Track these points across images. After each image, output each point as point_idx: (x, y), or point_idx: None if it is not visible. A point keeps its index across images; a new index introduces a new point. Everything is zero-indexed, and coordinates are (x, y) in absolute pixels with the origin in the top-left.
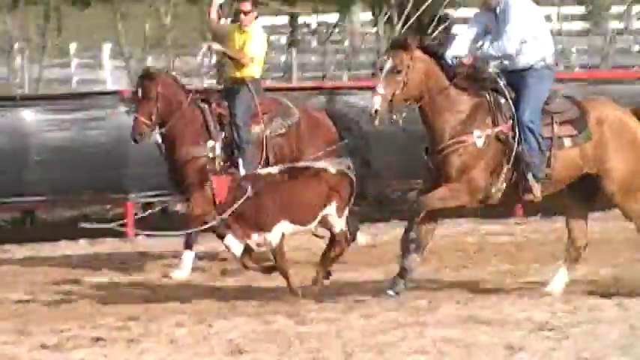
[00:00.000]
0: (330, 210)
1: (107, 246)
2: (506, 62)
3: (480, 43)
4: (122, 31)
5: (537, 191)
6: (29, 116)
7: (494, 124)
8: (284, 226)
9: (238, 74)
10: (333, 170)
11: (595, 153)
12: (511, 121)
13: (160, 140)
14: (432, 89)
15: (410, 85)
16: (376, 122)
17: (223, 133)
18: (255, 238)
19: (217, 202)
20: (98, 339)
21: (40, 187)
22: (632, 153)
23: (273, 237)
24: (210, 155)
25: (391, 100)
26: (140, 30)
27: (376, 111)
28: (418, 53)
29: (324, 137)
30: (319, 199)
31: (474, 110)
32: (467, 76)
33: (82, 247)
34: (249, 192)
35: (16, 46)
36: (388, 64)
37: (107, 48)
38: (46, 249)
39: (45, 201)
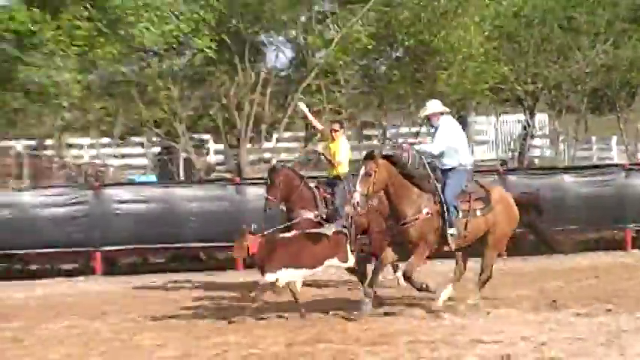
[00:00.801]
0: (333, 261)
1: None
2: (437, 162)
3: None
4: None
5: (453, 245)
6: None
7: (434, 204)
8: (290, 271)
9: (335, 172)
10: (329, 232)
11: (493, 220)
12: (439, 203)
13: (285, 209)
14: (394, 184)
15: (377, 184)
16: (358, 209)
17: (325, 210)
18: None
19: (250, 253)
20: None
21: None
22: (509, 221)
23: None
24: (315, 220)
25: (366, 195)
26: None
27: (357, 203)
28: (381, 161)
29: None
30: (320, 253)
31: (421, 196)
32: (415, 172)
33: None
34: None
35: None
36: (362, 170)
37: None
38: None
39: None
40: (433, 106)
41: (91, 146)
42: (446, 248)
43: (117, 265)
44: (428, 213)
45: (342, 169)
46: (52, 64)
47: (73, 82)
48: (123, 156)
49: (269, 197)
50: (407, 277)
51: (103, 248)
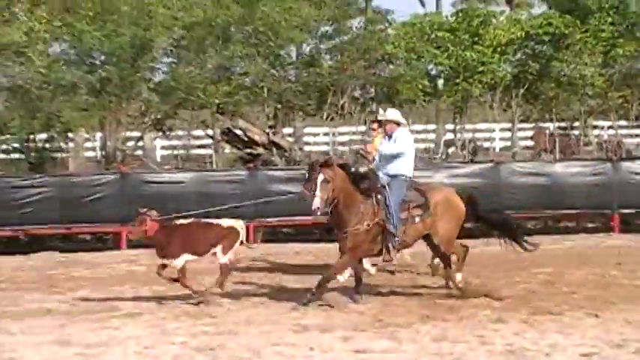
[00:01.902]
0: (218, 249)
1: None
2: (383, 170)
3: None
4: None
5: (393, 254)
6: None
7: (376, 215)
8: (186, 256)
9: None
10: (224, 225)
11: (432, 223)
12: (383, 211)
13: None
14: (344, 192)
15: (335, 190)
16: (318, 214)
17: None
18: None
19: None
20: None
21: None
22: (451, 219)
23: (178, 262)
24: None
25: (326, 199)
26: None
27: (317, 208)
28: (338, 169)
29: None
30: (210, 241)
31: (365, 206)
32: (363, 182)
33: None
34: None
35: None
36: (321, 177)
37: None
38: None
39: None
40: (393, 114)
41: (610, 127)
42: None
43: (632, 223)
44: (368, 224)
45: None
46: (580, 60)
47: (596, 75)
48: (637, 135)
49: (304, 191)
50: (325, 281)
51: (620, 211)
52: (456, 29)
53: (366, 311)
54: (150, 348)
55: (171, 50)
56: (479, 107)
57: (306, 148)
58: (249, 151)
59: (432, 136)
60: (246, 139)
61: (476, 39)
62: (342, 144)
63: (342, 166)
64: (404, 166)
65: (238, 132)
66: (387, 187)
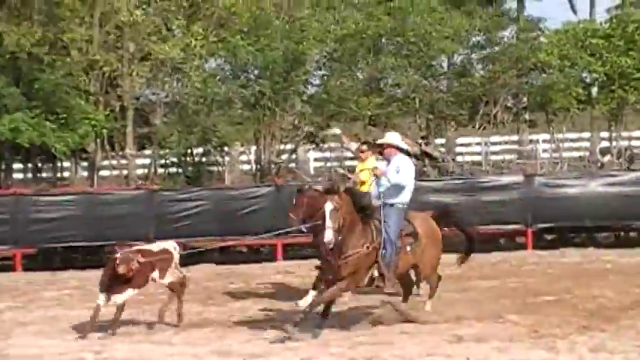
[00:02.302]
0: (155, 274)
1: None
2: (384, 198)
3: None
4: None
5: (388, 283)
6: None
7: (373, 240)
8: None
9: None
10: (155, 249)
11: (420, 253)
12: (380, 238)
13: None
14: (349, 217)
15: (344, 217)
16: (330, 246)
17: None
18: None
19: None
20: None
21: None
22: (435, 246)
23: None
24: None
25: (337, 230)
26: None
27: (328, 241)
28: (344, 196)
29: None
30: (147, 269)
31: (365, 232)
32: (364, 206)
33: None
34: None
35: None
36: (330, 206)
37: None
38: None
39: None
40: (394, 138)
41: None
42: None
43: None
44: (368, 247)
45: (365, 189)
46: None
47: None
48: None
49: (290, 215)
50: (312, 307)
51: None
52: (611, 35)
53: (520, 322)
54: (307, 359)
55: (323, 63)
56: (635, 114)
57: (459, 158)
58: None
59: (586, 144)
60: None
61: (631, 45)
62: (495, 153)
63: (347, 191)
64: (404, 195)
65: None
66: (387, 212)
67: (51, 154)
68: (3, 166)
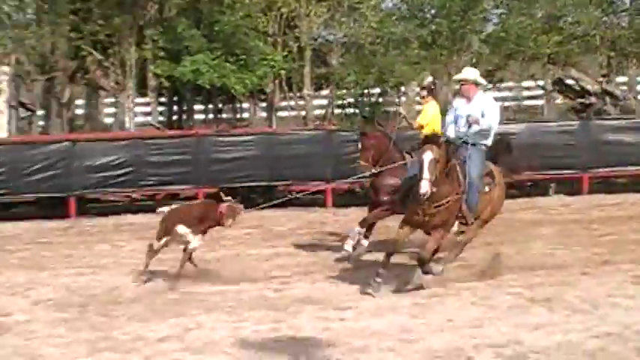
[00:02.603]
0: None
1: None
2: (467, 139)
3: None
4: None
5: (470, 219)
6: None
7: (460, 185)
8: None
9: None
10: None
11: (491, 198)
12: (464, 182)
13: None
14: (444, 165)
15: (440, 168)
16: (426, 198)
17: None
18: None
19: None
20: None
21: None
22: (503, 189)
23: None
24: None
25: (433, 181)
26: None
27: (425, 193)
28: (443, 147)
29: None
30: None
31: (452, 179)
32: (453, 153)
33: None
34: None
35: None
36: (430, 156)
37: None
38: None
39: None
40: (472, 74)
41: None
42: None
43: None
44: (457, 194)
45: (426, 132)
46: None
47: None
48: None
49: (361, 162)
50: (423, 263)
51: None
52: None
53: None
54: (485, 298)
55: (501, 1)
56: None
57: None
58: (581, 101)
59: None
60: (578, 88)
61: None
62: None
63: (447, 143)
64: (487, 136)
65: (570, 82)
66: (469, 154)
67: (231, 96)
68: (185, 108)
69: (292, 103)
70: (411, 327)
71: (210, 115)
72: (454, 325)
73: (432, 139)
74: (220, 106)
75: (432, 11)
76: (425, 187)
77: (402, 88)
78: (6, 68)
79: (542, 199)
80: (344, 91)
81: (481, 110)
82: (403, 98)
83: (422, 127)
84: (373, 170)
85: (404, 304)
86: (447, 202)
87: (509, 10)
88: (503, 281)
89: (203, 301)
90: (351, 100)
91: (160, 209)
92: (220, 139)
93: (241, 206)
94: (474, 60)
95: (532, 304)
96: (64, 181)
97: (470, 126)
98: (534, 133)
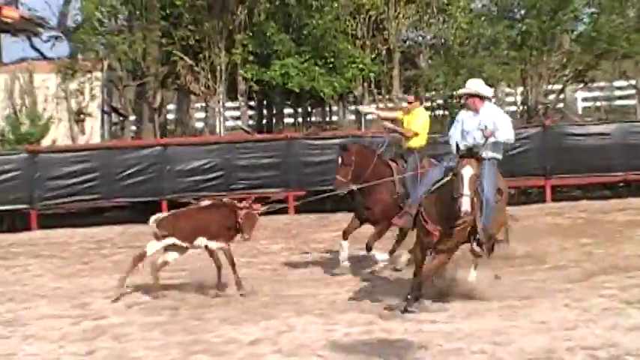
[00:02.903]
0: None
1: None
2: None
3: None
4: None
5: (484, 239)
6: None
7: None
8: None
9: (408, 145)
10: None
11: (502, 206)
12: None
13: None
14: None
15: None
16: (467, 217)
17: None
18: None
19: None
20: None
21: None
22: (506, 200)
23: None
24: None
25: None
26: None
27: (466, 211)
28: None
29: None
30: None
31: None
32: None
33: None
34: None
35: None
36: (471, 172)
37: None
38: None
39: None
40: (477, 86)
41: None
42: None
43: None
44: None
45: (419, 140)
46: None
47: None
48: None
49: (338, 177)
50: (419, 285)
51: None
52: None
53: None
54: (579, 301)
55: (592, 0)
56: None
57: None
58: None
59: None
60: None
61: None
62: None
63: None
64: (499, 149)
65: None
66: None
67: (320, 99)
68: (274, 111)
69: (381, 105)
70: (503, 329)
71: (300, 119)
72: (547, 327)
73: (470, 153)
74: (309, 109)
75: (522, 12)
76: (467, 204)
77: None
78: (99, 74)
79: (635, 199)
80: (433, 92)
81: (492, 122)
82: (493, 99)
83: (417, 134)
84: (352, 187)
85: (495, 306)
86: (464, 223)
87: (600, 9)
88: (597, 283)
89: (294, 304)
90: (440, 101)
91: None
92: (310, 142)
93: (257, 212)
94: (564, 60)
95: (627, 306)
96: (156, 186)
97: (486, 139)
98: (625, 134)
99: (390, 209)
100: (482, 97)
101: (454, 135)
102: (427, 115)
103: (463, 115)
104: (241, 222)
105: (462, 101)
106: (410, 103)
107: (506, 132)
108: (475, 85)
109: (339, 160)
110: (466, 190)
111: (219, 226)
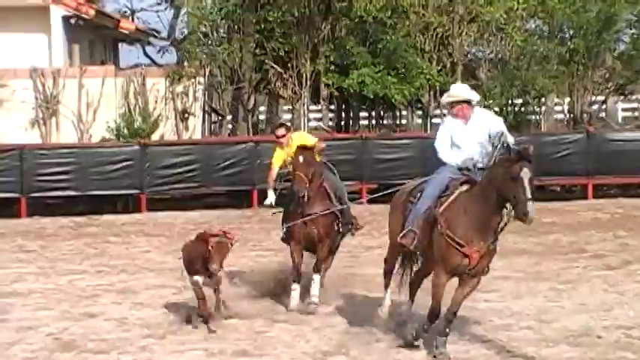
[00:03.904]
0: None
1: None
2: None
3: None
4: None
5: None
6: None
7: None
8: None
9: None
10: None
11: None
12: None
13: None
14: None
15: None
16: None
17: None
18: None
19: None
20: None
21: None
22: None
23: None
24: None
25: None
26: None
27: (532, 218)
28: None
29: None
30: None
31: None
32: None
33: None
34: None
35: None
36: (528, 174)
37: None
38: None
39: None
40: (463, 92)
41: None
42: None
43: None
44: None
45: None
46: None
47: None
48: None
49: (300, 175)
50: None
51: None
52: None
53: None
54: (615, 285)
55: (634, 23)
56: None
57: None
58: None
59: None
60: None
61: None
62: None
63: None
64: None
65: None
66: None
67: (391, 104)
68: (351, 114)
69: (445, 111)
70: (548, 309)
71: (373, 121)
72: (586, 308)
73: (526, 155)
74: (382, 113)
75: (571, 31)
76: (532, 209)
77: (542, 99)
78: (201, 79)
79: None
80: (491, 101)
81: (488, 127)
82: (543, 108)
83: (316, 144)
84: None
85: (541, 289)
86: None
87: None
88: (632, 271)
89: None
90: (497, 109)
91: None
92: (382, 141)
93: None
94: (607, 74)
95: None
96: (248, 176)
97: (496, 148)
98: None
99: None
100: (470, 103)
101: (444, 149)
102: (306, 138)
103: (451, 124)
104: (211, 251)
105: (446, 111)
106: (283, 135)
107: (510, 138)
108: (462, 90)
109: (299, 160)
110: (528, 193)
111: (199, 259)
